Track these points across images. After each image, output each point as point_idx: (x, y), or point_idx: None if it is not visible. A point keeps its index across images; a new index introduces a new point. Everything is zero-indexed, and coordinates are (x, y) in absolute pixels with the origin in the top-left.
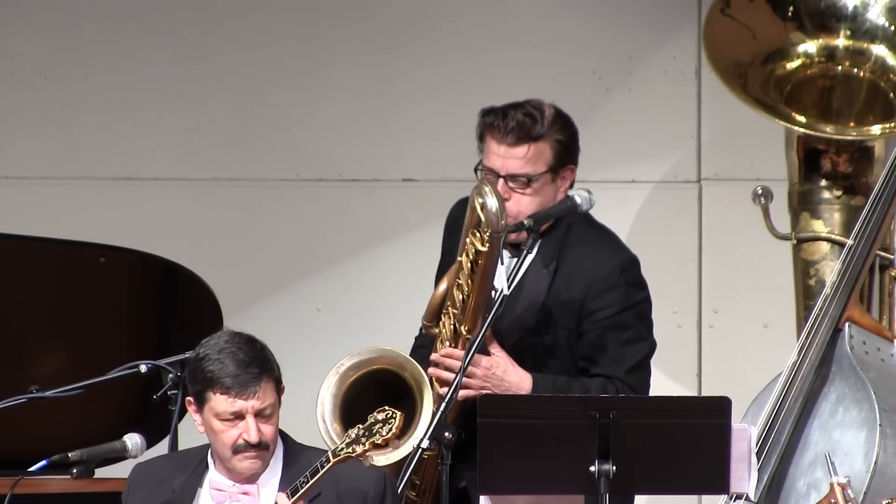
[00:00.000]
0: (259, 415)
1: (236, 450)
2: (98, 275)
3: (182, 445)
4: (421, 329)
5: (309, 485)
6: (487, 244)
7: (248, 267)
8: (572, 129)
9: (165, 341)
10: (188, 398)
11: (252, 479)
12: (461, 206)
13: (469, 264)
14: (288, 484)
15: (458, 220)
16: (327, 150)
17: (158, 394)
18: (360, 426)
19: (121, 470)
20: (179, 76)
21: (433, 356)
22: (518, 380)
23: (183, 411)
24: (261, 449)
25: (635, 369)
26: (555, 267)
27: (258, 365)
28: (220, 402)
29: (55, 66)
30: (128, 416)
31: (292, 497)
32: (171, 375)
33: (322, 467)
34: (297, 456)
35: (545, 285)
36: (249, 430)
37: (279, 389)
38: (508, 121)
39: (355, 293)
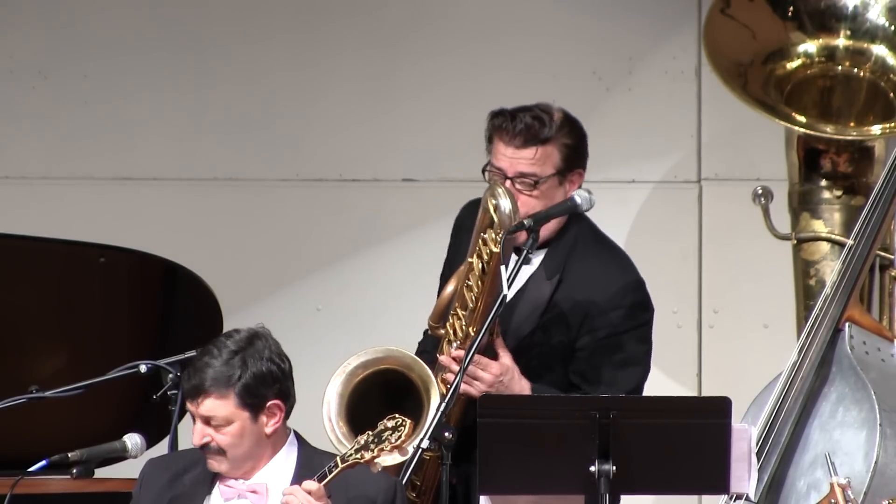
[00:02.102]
0: (206, 423)
1: (200, 447)
2: (98, 275)
3: (182, 445)
4: (424, 333)
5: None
6: (499, 245)
7: (248, 267)
8: (581, 134)
9: (165, 341)
10: None
11: (255, 475)
12: (470, 208)
13: (481, 265)
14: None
15: (466, 222)
16: (327, 150)
17: (158, 394)
18: (370, 433)
19: (121, 470)
20: (179, 76)
21: (442, 358)
22: (519, 390)
23: (183, 411)
24: (210, 452)
25: (628, 395)
26: (559, 279)
27: (212, 378)
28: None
29: (55, 66)
30: (128, 416)
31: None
32: (171, 375)
33: (330, 472)
34: (310, 458)
35: (547, 295)
36: (194, 432)
37: (248, 405)
38: (517, 123)
39: (355, 293)
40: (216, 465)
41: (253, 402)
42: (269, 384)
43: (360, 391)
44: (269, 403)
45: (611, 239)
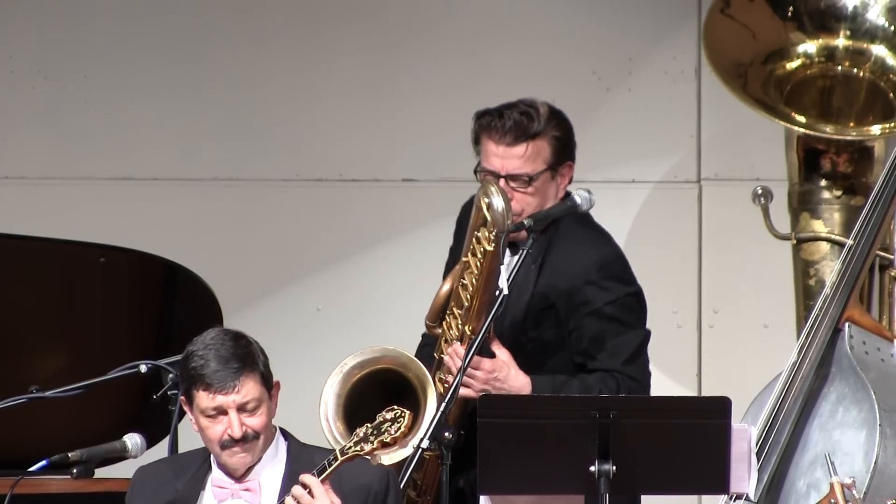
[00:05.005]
0: (242, 409)
1: (223, 445)
2: (98, 275)
3: (182, 445)
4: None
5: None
6: (493, 244)
7: (248, 267)
8: (568, 126)
9: (165, 341)
10: (182, 397)
11: (247, 474)
12: (470, 205)
13: (476, 264)
14: (291, 482)
15: (467, 219)
16: (327, 150)
17: (158, 394)
18: (369, 425)
19: (121, 470)
20: (179, 76)
21: (446, 358)
22: (519, 385)
23: (183, 411)
24: (247, 442)
25: (632, 359)
26: (540, 262)
27: (239, 360)
28: (202, 399)
29: (55, 66)
30: (128, 416)
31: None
32: (171, 375)
33: (330, 465)
34: (300, 454)
35: (532, 280)
36: (232, 424)
37: (267, 383)
38: (505, 121)
39: (355, 293)
40: (248, 457)
41: (268, 379)
42: (268, 363)
43: (356, 391)
44: (274, 381)
45: (592, 218)
